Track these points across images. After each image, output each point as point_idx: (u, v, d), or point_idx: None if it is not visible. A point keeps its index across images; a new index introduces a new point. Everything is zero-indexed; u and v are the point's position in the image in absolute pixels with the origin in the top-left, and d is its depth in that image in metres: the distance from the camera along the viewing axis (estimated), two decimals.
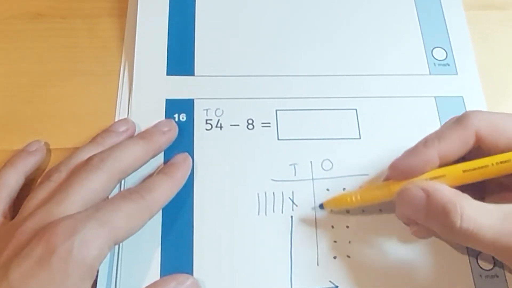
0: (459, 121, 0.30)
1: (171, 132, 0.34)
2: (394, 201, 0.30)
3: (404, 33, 0.40)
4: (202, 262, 0.31)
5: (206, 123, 0.36)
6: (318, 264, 0.32)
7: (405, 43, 0.39)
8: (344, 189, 0.34)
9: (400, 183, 0.30)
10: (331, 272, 0.32)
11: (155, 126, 0.34)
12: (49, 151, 0.35)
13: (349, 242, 0.32)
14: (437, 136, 0.30)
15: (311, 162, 0.35)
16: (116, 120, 0.36)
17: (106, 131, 0.34)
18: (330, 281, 0.31)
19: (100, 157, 0.31)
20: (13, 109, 0.37)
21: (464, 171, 0.29)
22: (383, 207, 0.33)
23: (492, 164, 0.28)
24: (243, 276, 0.31)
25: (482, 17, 0.42)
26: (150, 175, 0.33)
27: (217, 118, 0.36)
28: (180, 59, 0.38)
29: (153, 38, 0.38)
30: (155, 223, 0.32)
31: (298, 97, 0.37)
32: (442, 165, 0.29)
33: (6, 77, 0.38)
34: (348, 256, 0.32)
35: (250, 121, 0.36)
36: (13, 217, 0.30)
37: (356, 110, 0.36)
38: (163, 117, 0.35)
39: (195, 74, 0.37)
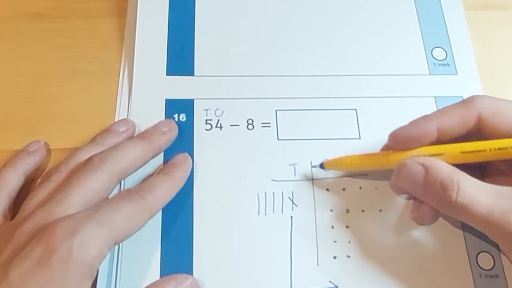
0: (464, 101, 0.31)
1: (171, 132, 0.34)
2: (390, 174, 0.31)
3: (404, 33, 0.40)
4: (202, 262, 0.31)
5: (206, 123, 0.36)
6: (318, 264, 0.32)
7: (405, 43, 0.39)
8: (344, 189, 0.34)
9: (398, 154, 0.31)
10: (331, 272, 0.32)
11: (155, 126, 0.34)
12: (49, 151, 0.35)
13: (349, 242, 0.32)
14: (439, 111, 0.31)
15: (311, 162, 0.35)
16: (116, 120, 0.36)
17: (106, 131, 0.34)
18: (330, 281, 0.31)
19: (100, 157, 0.31)
20: (13, 109, 0.37)
21: (461, 152, 0.29)
22: (383, 207, 0.33)
23: (490, 150, 0.29)
24: (243, 276, 0.31)
25: (482, 17, 0.42)
26: (150, 175, 0.33)
27: (217, 118, 0.36)
28: (180, 59, 0.38)
29: (153, 38, 0.38)
30: (155, 223, 0.32)
31: (298, 97, 0.37)
32: (441, 140, 0.30)
33: (6, 77, 0.38)
34: (348, 256, 0.32)
35: (250, 121, 0.36)
36: (13, 217, 0.30)
37: (356, 110, 0.36)
38: (163, 117, 0.35)
39: (195, 74, 0.37)
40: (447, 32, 0.40)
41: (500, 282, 0.31)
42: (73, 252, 0.26)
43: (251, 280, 0.31)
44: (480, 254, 0.32)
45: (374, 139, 0.35)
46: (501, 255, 0.32)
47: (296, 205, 0.33)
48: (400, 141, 0.31)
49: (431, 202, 0.30)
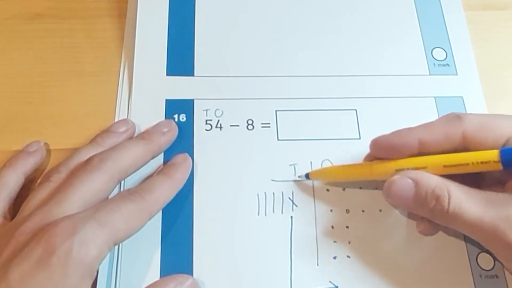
0: (448, 117, 0.30)
1: (171, 133, 0.34)
2: (375, 180, 0.31)
3: (404, 34, 0.40)
4: (202, 262, 0.31)
5: (206, 123, 0.36)
6: (318, 264, 0.32)
7: (405, 43, 0.39)
8: (344, 189, 0.34)
9: (381, 165, 0.31)
10: (331, 272, 0.31)
11: (155, 126, 0.34)
12: (48, 151, 0.35)
13: (349, 242, 0.32)
14: (424, 124, 0.31)
15: (311, 162, 0.34)
16: (116, 120, 0.36)
17: (106, 131, 0.34)
18: (330, 281, 0.31)
19: (100, 157, 0.31)
20: (13, 110, 0.37)
21: (445, 166, 0.29)
22: (383, 207, 0.33)
23: (473, 163, 0.28)
24: (243, 276, 0.31)
25: (482, 17, 0.42)
26: (150, 176, 0.33)
27: (217, 119, 0.36)
28: (180, 59, 0.38)
29: (153, 38, 0.38)
30: (155, 223, 0.32)
31: (298, 98, 0.37)
32: (424, 154, 0.30)
33: (5, 77, 0.38)
34: (348, 256, 0.32)
35: (250, 122, 0.36)
36: (12, 218, 0.30)
37: (356, 110, 0.36)
38: (163, 118, 0.35)
39: (195, 74, 0.37)
40: (447, 32, 0.40)
41: (500, 283, 0.31)
42: (73, 252, 0.26)
43: (251, 280, 0.31)
44: (480, 255, 0.32)
45: None
46: None
47: (296, 206, 0.33)
48: (380, 148, 0.31)
49: (424, 214, 0.30)
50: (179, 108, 0.36)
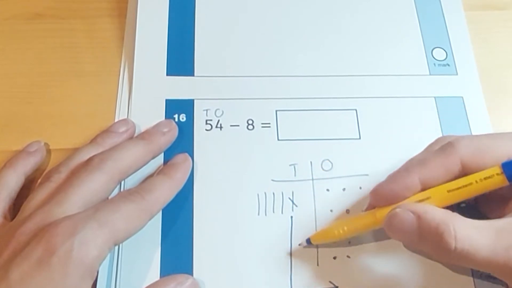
0: (443, 148, 0.29)
1: (171, 133, 0.34)
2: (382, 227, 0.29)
3: (404, 34, 0.40)
4: (202, 262, 0.31)
5: (206, 123, 0.36)
6: (318, 264, 0.32)
7: (405, 43, 0.39)
8: (344, 189, 0.34)
9: (385, 209, 0.29)
10: (331, 272, 0.31)
11: (155, 126, 0.34)
12: (49, 151, 0.35)
13: (349, 242, 0.32)
14: (419, 162, 0.29)
15: (311, 162, 0.34)
16: (116, 120, 0.36)
17: (106, 131, 0.34)
18: (330, 282, 0.31)
19: (100, 157, 0.31)
20: (13, 110, 0.37)
21: (449, 191, 0.28)
22: None
23: (476, 182, 0.27)
24: (243, 276, 0.31)
25: (482, 17, 0.41)
26: (150, 176, 0.33)
27: (217, 119, 0.36)
28: (180, 59, 0.38)
29: (153, 38, 0.38)
30: (155, 224, 0.32)
31: (298, 98, 0.37)
32: (424, 190, 0.29)
33: (5, 77, 0.38)
34: (348, 256, 0.32)
35: (250, 122, 0.36)
36: (13, 218, 0.30)
37: (356, 110, 0.36)
38: (163, 118, 0.35)
39: (195, 74, 0.37)
40: (447, 32, 0.40)
41: (500, 283, 0.31)
42: (73, 252, 0.26)
43: (251, 280, 0.31)
44: None
45: (374, 139, 0.35)
46: None
47: (296, 206, 0.33)
48: (382, 197, 0.29)
49: (427, 250, 0.28)
50: (179, 108, 0.36)
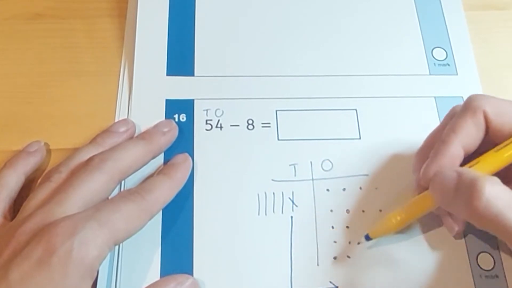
0: (466, 107, 0.30)
1: (171, 133, 0.34)
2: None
3: (404, 33, 0.40)
4: (202, 262, 0.31)
5: (206, 123, 0.36)
6: (318, 264, 0.32)
7: (405, 43, 0.39)
8: (344, 189, 0.34)
9: None
10: (331, 272, 0.31)
11: (155, 126, 0.34)
12: (49, 151, 0.35)
13: (349, 242, 0.32)
14: (450, 130, 0.30)
15: (311, 162, 0.35)
16: (116, 120, 0.36)
17: (106, 131, 0.34)
18: (330, 282, 0.31)
19: (101, 157, 0.31)
20: (13, 110, 0.37)
21: (496, 151, 0.28)
22: (383, 207, 0.33)
23: None
24: (243, 276, 0.31)
25: (482, 17, 0.42)
26: (150, 176, 0.33)
27: (217, 119, 0.36)
28: (180, 59, 0.38)
29: (153, 38, 0.38)
30: (155, 224, 0.32)
31: (298, 98, 0.37)
32: (466, 154, 0.29)
33: (5, 77, 0.38)
34: (348, 256, 0.32)
35: (250, 122, 0.36)
36: (13, 218, 0.30)
37: (356, 110, 0.36)
38: (163, 118, 0.35)
39: (195, 74, 0.37)
40: (447, 32, 0.40)
41: (500, 283, 0.31)
42: (73, 252, 0.26)
43: (251, 281, 0.31)
44: (480, 255, 0.32)
45: (374, 139, 0.35)
46: (501, 255, 0.32)
47: (296, 206, 0.33)
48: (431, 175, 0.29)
49: (458, 210, 0.28)
50: (179, 108, 0.36)
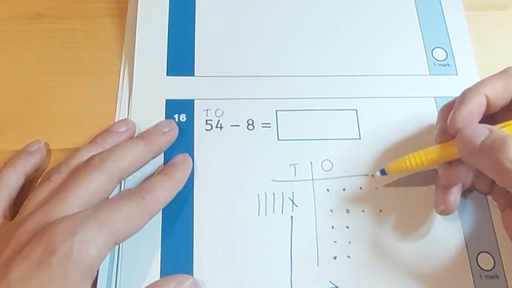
0: (504, 70, 0.31)
1: (172, 133, 0.34)
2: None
3: (404, 34, 0.40)
4: (202, 262, 0.31)
5: (206, 123, 0.36)
6: (318, 264, 0.32)
7: (405, 43, 0.39)
8: (344, 189, 0.34)
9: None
10: (331, 272, 0.32)
11: (156, 126, 0.34)
12: (49, 151, 0.35)
13: (349, 242, 0.32)
14: (481, 81, 0.31)
15: (311, 162, 0.35)
16: (116, 120, 0.36)
17: (106, 131, 0.34)
18: (330, 281, 0.31)
19: (101, 157, 0.31)
20: (13, 110, 0.37)
21: None
22: (383, 207, 0.33)
23: None
24: (243, 276, 0.31)
25: (482, 17, 0.42)
26: (151, 176, 0.33)
27: (217, 119, 0.36)
28: (180, 59, 0.38)
29: (153, 38, 0.38)
30: (155, 223, 0.32)
31: (298, 98, 0.37)
32: (490, 109, 0.30)
33: (5, 77, 0.38)
34: (348, 256, 0.32)
35: (250, 122, 0.36)
36: (13, 217, 0.30)
37: (356, 110, 0.36)
38: (163, 118, 0.35)
39: (195, 74, 0.37)
40: (447, 32, 0.40)
41: (501, 283, 0.31)
42: (73, 252, 0.26)
43: (251, 280, 0.31)
44: (480, 255, 0.32)
45: (374, 139, 0.36)
46: (501, 255, 0.32)
47: (296, 206, 0.33)
48: (463, 119, 0.30)
49: (483, 166, 0.29)
50: (179, 108, 0.36)
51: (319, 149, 0.35)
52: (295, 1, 0.41)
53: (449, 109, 0.31)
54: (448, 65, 0.39)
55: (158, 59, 0.37)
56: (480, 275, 0.32)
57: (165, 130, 0.34)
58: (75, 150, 0.33)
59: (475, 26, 0.41)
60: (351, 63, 0.38)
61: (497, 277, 0.32)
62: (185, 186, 0.33)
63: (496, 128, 0.29)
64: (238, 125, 0.36)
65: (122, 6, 0.41)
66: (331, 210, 0.33)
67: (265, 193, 0.33)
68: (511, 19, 0.42)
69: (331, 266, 0.32)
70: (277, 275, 0.31)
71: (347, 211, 0.33)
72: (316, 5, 0.41)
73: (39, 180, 0.33)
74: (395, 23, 0.40)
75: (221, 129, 0.35)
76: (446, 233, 0.32)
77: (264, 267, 0.31)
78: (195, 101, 0.36)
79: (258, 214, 0.33)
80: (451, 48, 0.39)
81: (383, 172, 0.32)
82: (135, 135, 0.35)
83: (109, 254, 0.28)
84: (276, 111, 0.36)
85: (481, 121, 0.30)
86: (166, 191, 0.31)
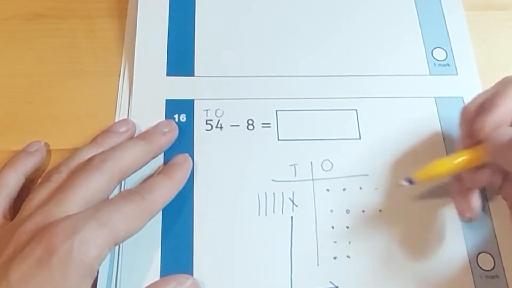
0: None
1: (172, 133, 0.34)
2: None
3: (404, 34, 0.40)
4: (202, 262, 0.31)
5: (206, 123, 0.36)
6: (318, 264, 0.32)
7: (405, 43, 0.39)
8: (344, 189, 0.34)
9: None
10: (331, 272, 0.32)
11: (156, 126, 0.34)
12: (49, 151, 0.35)
13: (349, 242, 0.32)
14: (506, 87, 0.31)
15: (311, 162, 0.35)
16: (116, 120, 0.36)
17: (107, 131, 0.34)
18: (330, 281, 0.31)
19: (101, 157, 0.31)
20: (13, 110, 0.37)
21: None
22: (383, 207, 0.33)
23: None
24: (243, 276, 0.31)
25: (482, 17, 0.42)
26: (151, 176, 0.33)
27: (217, 119, 0.36)
28: (180, 59, 0.38)
29: (153, 38, 0.38)
30: (155, 224, 0.32)
31: (298, 98, 0.37)
32: None
33: (5, 78, 0.38)
34: (348, 256, 0.32)
35: (250, 122, 0.36)
36: (13, 218, 0.30)
37: (356, 110, 0.36)
38: (163, 118, 0.35)
39: (195, 74, 0.37)
40: (447, 33, 0.40)
41: (501, 283, 0.31)
42: (73, 252, 0.26)
43: (251, 281, 0.31)
44: (480, 255, 0.32)
45: (374, 139, 0.36)
46: (501, 255, 0.32)
47: (296, 206, 0.33)
48: (491, 121, 0.30)
49: (505, 159, 0.29)
50: (179, 108, 0.36)
51: (319, 149, 0.35)
52: (295, 1, 0.41)
53: (471, 112, 0.31)
54: (448, 65, 0.39)
55: (158, 59, 0.37)
56: (480, 275, 0.32)
57: (165, 130, 0.34)
58: (75, 150, 0.33)
59: (475, 26, 0.41)
60: (351, 63, 0.38)
61: (497, 277, 0.32)
62: (185, 186, 0.33)
63: None
64: (238, 125, 0.36)
65: (122, 6, 0.41)
66: (331, 210, 0.33)
67: (265, 193, 0.33)
68: (511, 19, 0.42)
69: (331, 266, 0.32)
70: (277, 275, 0.31)
71: (347, 211, 0.33)
72: (316, 5, 0.41)
73: (39, 180, 0.33)
74: (395, 23, 0.40)
75: (221, 129, 0.35)
76: (446, 233, 0.32)
77: (264, 267, 0.31)
78: (195, 101, 0.36)
79: (258, 214, 0.33)
80: (451, 48, 0.39)
81: (410, 181, 0.30)
82: (135, 135, 0.35)
83: (109, 254, 0.28)
84: (276, 111, 0.36)
85: None
86: (166, 191, 0.31)
